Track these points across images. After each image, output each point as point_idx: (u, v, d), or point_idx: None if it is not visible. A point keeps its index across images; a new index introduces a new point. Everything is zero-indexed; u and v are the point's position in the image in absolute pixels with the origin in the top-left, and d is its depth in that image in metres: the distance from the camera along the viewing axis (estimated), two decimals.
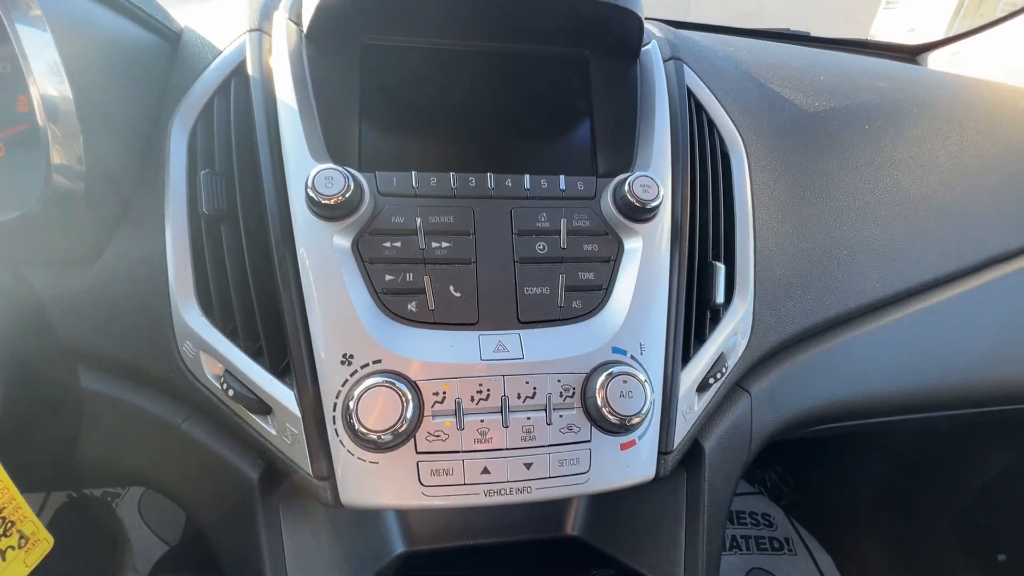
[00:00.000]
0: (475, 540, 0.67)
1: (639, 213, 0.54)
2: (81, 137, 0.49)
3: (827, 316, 0.69)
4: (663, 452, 0.55)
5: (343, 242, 0.51)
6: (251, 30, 0.58)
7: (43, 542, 0.49)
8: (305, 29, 0.57)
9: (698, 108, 0.66)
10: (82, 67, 0.49)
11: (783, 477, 1.65)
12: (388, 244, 0.52)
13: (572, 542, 0.66)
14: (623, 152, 0.60)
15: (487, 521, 0.68)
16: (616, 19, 0.58)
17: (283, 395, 0.50)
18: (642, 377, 0.50)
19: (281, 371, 0.52)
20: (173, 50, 0.61)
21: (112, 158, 0.54)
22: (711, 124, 0.67)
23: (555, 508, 0.68)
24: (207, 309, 0.53)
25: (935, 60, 1.29)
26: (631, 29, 0.60)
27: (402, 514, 0.66)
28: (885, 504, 1.41)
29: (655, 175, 0.55)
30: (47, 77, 0.47)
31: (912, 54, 1.32)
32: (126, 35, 0.57)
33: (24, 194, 0.59)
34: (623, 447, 0.52)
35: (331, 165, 0.49)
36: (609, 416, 0.49)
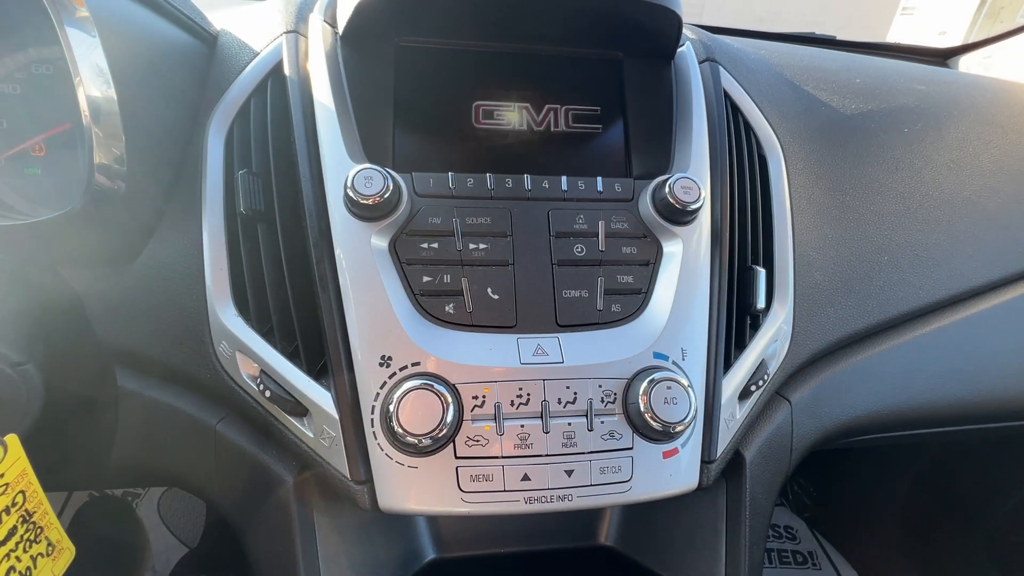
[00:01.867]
0: (506, 548, 0.66)
1: (679, 215, 0.53)
2: (123, 138, 0.49)
3: (868, 323, 0.67)
4: (706, 461, 0.53)
5: (380, 243, 0.50)
6: (287, 32, 0.58)
7: (67, 551, 0.49)
8: (340, 31, 0.57)
9: (734, 110, 0.65)
10: (125, 68, 0.50)
11: (805, 489, 1.61)
12: (425, 245, 0.51)
13: (605, 552, 0.64)
14: (659, 154, 0.59)
15: (518, 528, 0.67)
16: (656, 19, 0.58)
17: (320, 397, 0.50)
18: (685, 383, 0.49)
19: (317, 372, 0.51)
20: (210, 52, 0.62)
21: (151, 158, 0.54)
22: (748, 126, 0.66)
23: (587, 516, 0.67)
24: (243, 309, 0.53)
25: (966, 63, 1.27)
26: (670, 30, 0.59)
27: (432, 520, 0.65)
28: (913, 518, 1.37)
29: (695, 177, 0.54)
30: (93, 78, 0.47)
31: (943, 57, 1.29)
32: (166, 37, 0.57)
33: (64, 193, 0.60)
34: (665, 455, 0.51)
35: (370, 165, 0.49)
36: (652, 423, 0.48)
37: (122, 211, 0.52)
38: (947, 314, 0.72)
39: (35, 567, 0.45)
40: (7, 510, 0.41)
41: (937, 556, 1.32)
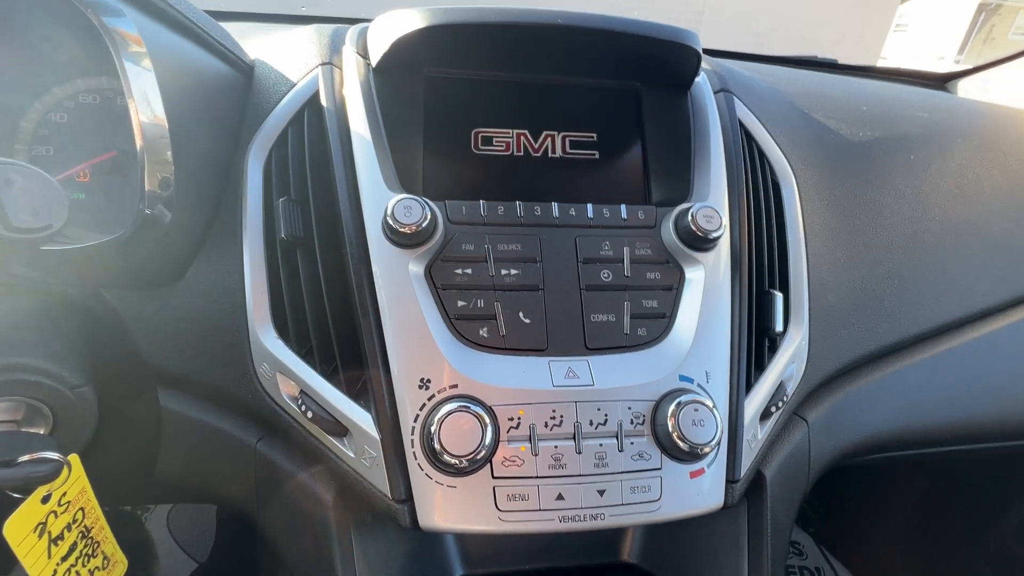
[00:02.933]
0: (532, 564, 0.67)
1: (701, 243, 0.56)
2: (172, 165, 0.51)
3: (881, 344, 0.69)
4: (730, 481, 0.55)
5: (417, 269, 0.52)
6: (322, 64, 0.61)
7: (120, 564, 0.51)
8: (374, 63, 0.59)
9: (748, 139, 0.68)
10: (174, 98, 0.52)
11: (811, 503, 1.62)
12: (459, 271, 0.53)
13: (629, 569, 0.66)
14: (677, 182, 0.62)
15: (542, 545, 0.68)
16: (676, 55, 0.61)
17: (361, 417, 0.52)
18: (711, 404, 0.51)
19: (356, 393, 0.53)
20: (247, 81, 0.64)
21: (196, 185, 0.56)
22: (762, 155, 0.68)
23: (611, 533, 0.68)
24: (283, 331, 0.55)
25: (964, 88, 1.31)
26: (689, 64, 0.62)
27: (460, 537, 0.67)
28: (919, 533, 1.38)
29: (715, 205, 0.57)
30: (145, 108, 0.49)
31: (941, 81, 1.34)
32: (209, 68, 0.60)
33: (108, 219, 0.62)
34: (692, 475, 0.53)
35: (408, 195, 0.51)
36: (680, 444, 0.50)
37: (167, 236, 0.55)
38: (957, 335, 0.75)
39: None
40: (68, 527, 0.42)
41: (943, 571, 1.33)
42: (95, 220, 0.62)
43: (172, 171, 0.51)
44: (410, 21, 0.55)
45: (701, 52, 0.61)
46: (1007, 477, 1.23)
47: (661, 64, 0.63)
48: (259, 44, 0.69)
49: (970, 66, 1.29)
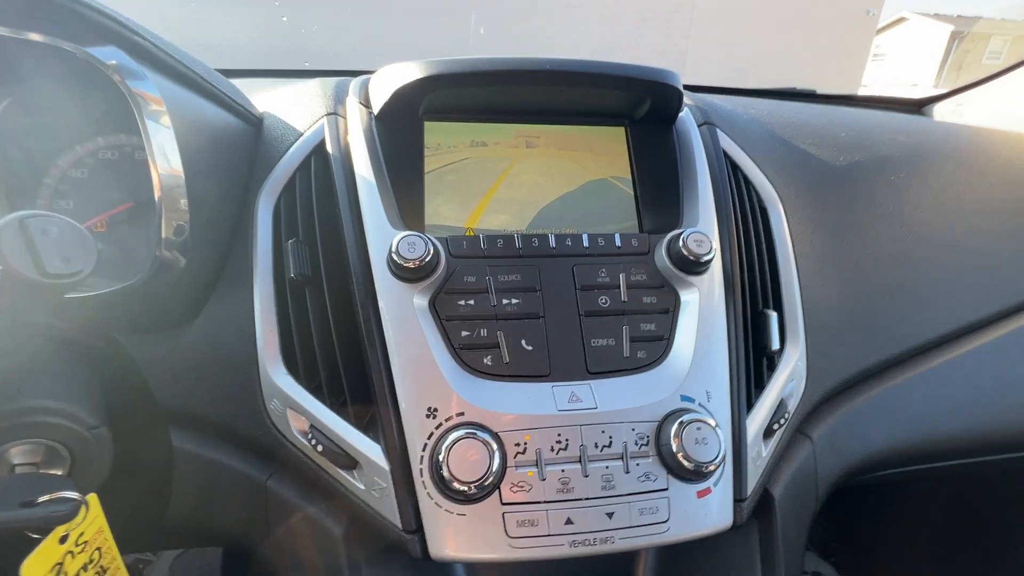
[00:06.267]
0: None
1: (693, 266, 0.58)
2: (188, 213, 0.54)
3: (878, 360, 0.70)
4: (738, 499, 0.56)
5: (422, 302, 0.55)
6: (328, 114, 0.65)
7: None
8: (376, 111, 0.64)
9: (734, 167, 0.71)
10: (190, 151, 0.56)
11: (829, 530, 1.58)
12: (463, 302, 0.56)
13: None
14: (667, 211, 0.65)
15: (554, 569, 0.67)
16: (659, 94, 0.65)
17: (370, 449, 0.53)
18: (713, 423, 0.52)
19: (365, 425, 0.54)
20: (257, 133, 0.68)
21: (209, 232, 0.59)
22: (747, 181, 0.72)
23: (621, 556, 0.67)
24: (292, 367, 0.57)
25: (940, 111, 1.36)
26: (672, 102, 0.66)
27: (471, 565, 0.66)
28: (943, 554, 1.34)
29: (705, 231, 0.59)
30: (163, 161, 0.53)
31: (918, 107, 1.39)
32: (221, 121, 0.64)
33: (123, 266, 0.65)
34: (699, 495, 0.53)
35: (411, 232, 0.54)
36: (685, 463, 0.50)
37: (181, 280, 0.57)
38: (952, 348, 0.76)
39: None
40: (85, 567, 0.43)
41: None
42: (111, 268, 0.65)
43: (187, 219, 0.54)
44: (408, 73, 0.60)
45: (682, 90, 0.65)
46: None
47: (646, 102, 0.67)
48: (268, 97, 0.74)
49: (944, 91, 1.35)
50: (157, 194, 0.52)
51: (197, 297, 0.60)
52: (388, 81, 0.62)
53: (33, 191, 0.65)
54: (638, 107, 0.67)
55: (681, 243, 0.57)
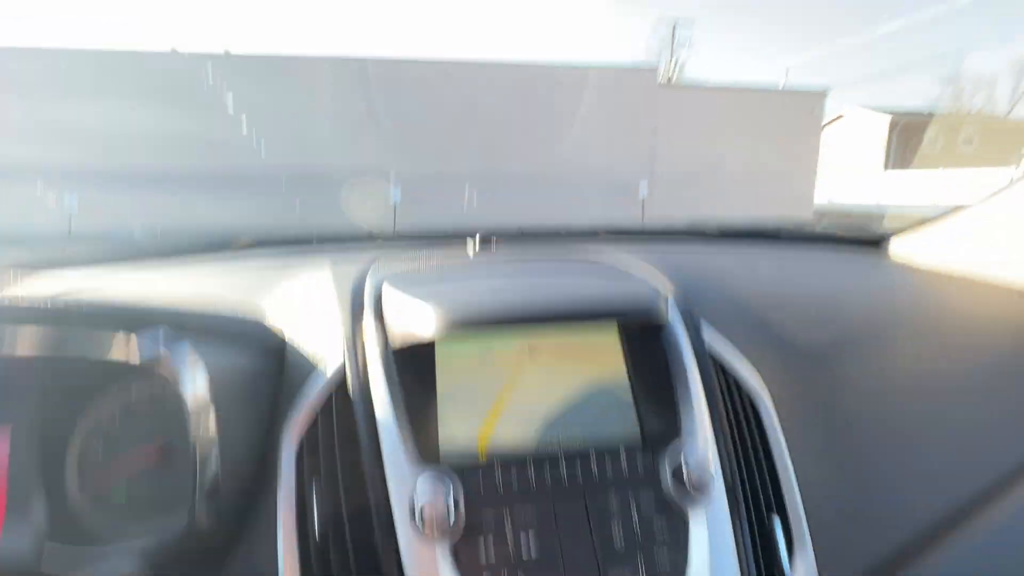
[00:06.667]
0: None
1: (698, 491, 0.62)
2: (220, 462, 0.58)
3: (892, 547, 0.71)
4: None
5: (442, 546, 0.57)
6: (347, 343, 0.70)
7: None
8: (393, 348, 0.69)
9: (722, 368, 0.76)
10: (222, 399, 0.60)
11: None
12: (482, 546, 0.58)
13: None
14: (665, 417, 0.69)
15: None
16: (647, 316, 0.72)
17: None
18: None
19: None
20: (279, 367, 0.73)
21: (237, 479, 0.62)
22: (737, 383, 0.75)
23: None
24: None
25: (898, 245, 1.47)
26: (659, 318, 0.73)
27: None
28: None
29: (704, 445, 0.63)
30: (199, 413, 0.57)
31: (875, 244, 1.51)
32: (249, 366, 0.69)
33: (147, 514, 0.66)
34: None
35: (430, 471, 0.58)
36: None
37: (213, 529, 0.59)
38: (972, 519, 0.75)
39: None
40: None
41: None
42: (135, 514, 0.66)
43: (219, 468, 0.57)
44: (425, 321, 0.66)
45: (668, 311, 0.72)
46: None
47: (634, 318, 0.74)
48: (283, 305, 0.80)
49: (901, 226, 1.46)
50: (193, 446, 0.55)
51: (225, 545, 0.62)
52: (401, 318, 0.68)
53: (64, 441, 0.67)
54: (628, 319, 0.74)
55: (685, 473, 0.62)
